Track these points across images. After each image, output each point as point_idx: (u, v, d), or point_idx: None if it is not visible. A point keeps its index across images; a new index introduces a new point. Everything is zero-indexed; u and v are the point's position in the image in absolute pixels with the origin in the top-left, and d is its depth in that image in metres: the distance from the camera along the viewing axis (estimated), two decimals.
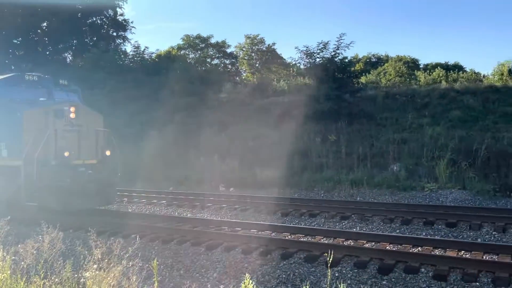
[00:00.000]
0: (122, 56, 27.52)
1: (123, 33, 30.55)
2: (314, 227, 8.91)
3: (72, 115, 9.92)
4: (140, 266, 4.83)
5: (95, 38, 29.33)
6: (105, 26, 30.31)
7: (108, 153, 10.58)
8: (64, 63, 28.27)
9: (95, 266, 4.31)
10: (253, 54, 35.47)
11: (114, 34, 30.60)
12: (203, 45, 33.80)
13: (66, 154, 9.60)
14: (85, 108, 10.64)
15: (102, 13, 29.67)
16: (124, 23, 30.47)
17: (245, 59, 35.49)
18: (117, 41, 30.36)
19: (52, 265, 4.70)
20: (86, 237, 6.15)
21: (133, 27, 30.59)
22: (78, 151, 10.04)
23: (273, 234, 8.33)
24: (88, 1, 28.11)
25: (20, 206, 9.93)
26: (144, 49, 27.26)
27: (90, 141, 10.34)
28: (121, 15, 30.59)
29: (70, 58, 30.12)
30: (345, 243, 7.48)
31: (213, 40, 33.91)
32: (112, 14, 30.11)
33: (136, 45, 27.59)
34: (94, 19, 29.83)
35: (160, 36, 69.38)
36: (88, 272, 4.27)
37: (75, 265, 4.90)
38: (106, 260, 4.44)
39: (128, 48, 31.28)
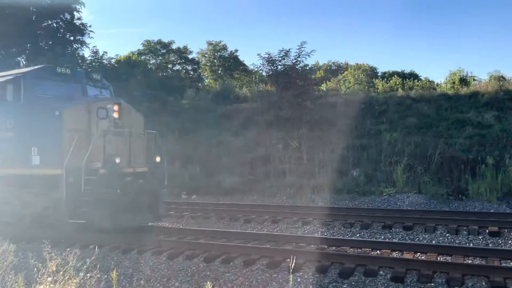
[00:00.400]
0: (80, 61, 26.73)
1: (80, 37, 29.66)
2: (277, 233, 8.96)
3: (116, 115, 8.54)
4: (98, 277, 4.68)
5: (50, 42, 28.29)
6: (61, 30, 29.32)
7: (158, 159, 9.25)
8: (18, 68, 27.09)
9: (49, 279, 4.14)
10: (215, 61, 35.46)
11: (71, 38, 29.66)
12: (164, 51, 33.44)
13: (118, 160, 8.15)
14: (127, 106, 9.10)
15: (58, 17, 28.70)
16: (82, 27, 29.60)
17: (207, 65, 35.41)
18: (74, 46, 29.43)
19: (3, 278, 4.47)
20: (40, 249, 5.89)
21: (91, 31, 29.72)
22: (128, 157, 8.56)
23: (236, 241, 8.31)
24: (43, 3, 27.15)
25: (55, 225, 8.37)
26: (103, 54, 26.63)
27: (138, 145, 8.91)
28: (78, 19, 29.72)
29: (24, 62, 28.89)
30: (307, 249, 7.57)
31: (174, 46, 33.64)
32: (69, 18, 29.20)
33: (94, 50, 26.91)
34: (50, 22, 28.79)
35: (121, 40, 68.04)
36: (42, 286, 4.10)
37: (28, 279, 4.68)
38: (61, 272, 4.27)
39: (86, 53, 30.34)
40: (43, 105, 8.44)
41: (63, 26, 29.40)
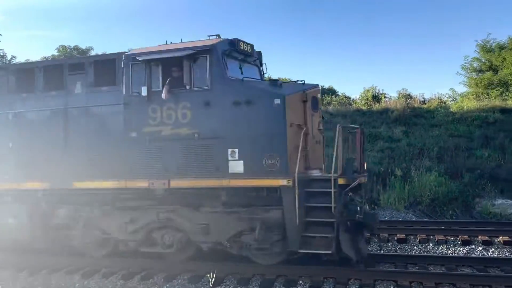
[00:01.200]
0: None
1: None
2: None
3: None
4: None
5: None
6: None
7: (365, 165, 7.34)
8: None
9: None
10: None
11: None
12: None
13: (357, 166, 6.54)
14: None
15: None
16: None
17: None
18: None
19: None
20: None
21: None
22: (359, 163, 6.79)
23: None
24: None
25: (249, 255, 6.77)
26: (11, 59, 24.61)
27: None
28: None
29: None
30: (228, 262, 7.53)
31: (93, 53, 32.17)
32: None
33: (1, 54, 24.78)
34: None
35: (35, 44, 63.36)
36: None
37: None
38: None
39: None
40: (248, 90, 6.45)
41: None
